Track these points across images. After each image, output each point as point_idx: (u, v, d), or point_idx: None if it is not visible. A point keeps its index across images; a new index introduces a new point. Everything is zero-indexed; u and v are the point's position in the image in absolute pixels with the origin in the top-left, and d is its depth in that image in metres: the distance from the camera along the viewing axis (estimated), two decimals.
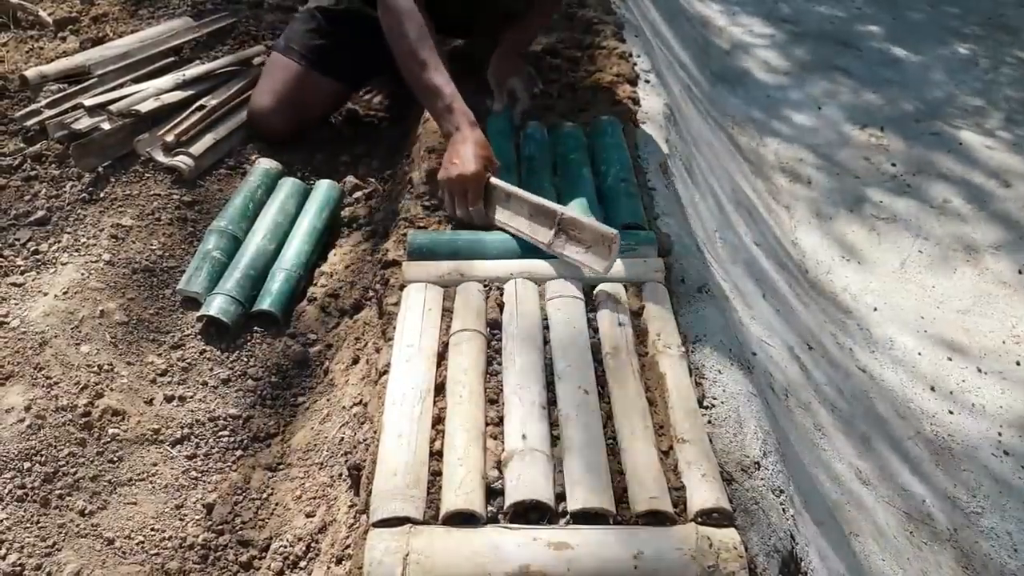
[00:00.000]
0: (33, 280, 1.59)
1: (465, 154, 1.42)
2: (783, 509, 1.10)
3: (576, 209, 1.41)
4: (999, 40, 3.97)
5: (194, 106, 1.92)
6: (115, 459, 1.34)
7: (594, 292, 1.31)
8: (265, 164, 1.86)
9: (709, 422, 1.16)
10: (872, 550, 1.53)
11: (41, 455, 1.30)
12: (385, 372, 1.19)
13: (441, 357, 1.19)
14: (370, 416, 1.21)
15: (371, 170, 1.97)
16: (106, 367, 1.45)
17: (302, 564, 1.21)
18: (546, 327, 1.24)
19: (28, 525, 1.22)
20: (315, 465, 1.34)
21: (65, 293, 1.54)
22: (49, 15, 2.23)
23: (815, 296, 2.40)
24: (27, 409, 1.34)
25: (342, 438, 1.30)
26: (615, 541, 0.94)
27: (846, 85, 3.49)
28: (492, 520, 0.98)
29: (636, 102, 1.89)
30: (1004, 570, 1.78)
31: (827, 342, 2.16)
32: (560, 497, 1.00)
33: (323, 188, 1.83)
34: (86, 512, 1.26)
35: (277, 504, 1.32)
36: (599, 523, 0.97)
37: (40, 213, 1.71)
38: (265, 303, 1.58)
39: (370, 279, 1.60)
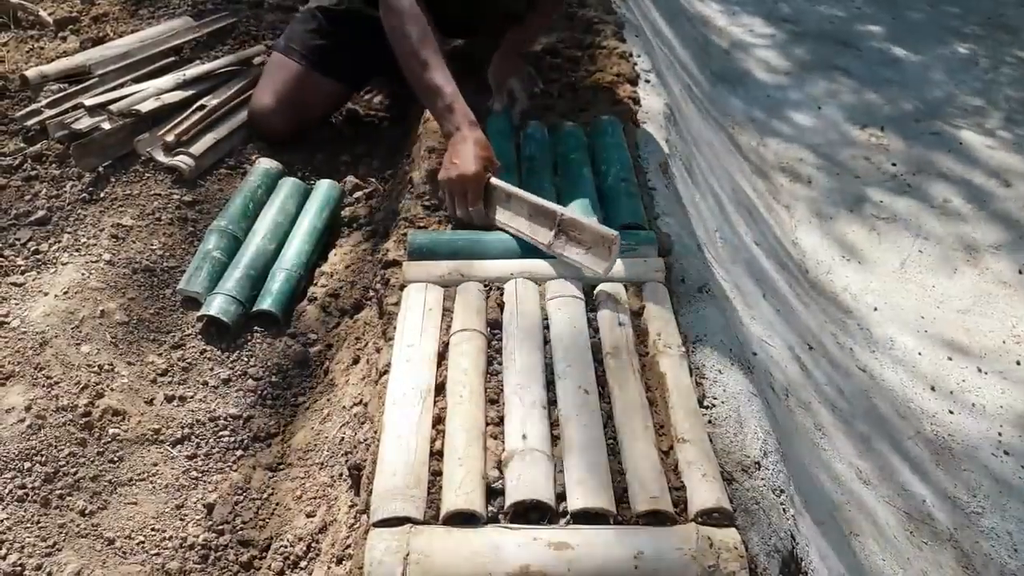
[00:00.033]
0: (33, 280, 1.59)
1: (465, 154, 1.42)
2: (783, 509, 1.10)
3: (578, 210, 1.41)
4: (999, 40, 3.97)
5: (194, 106, 1.92)
6: (115, 459, 1.34)
7: (594, 292, 1.31)
8: (265, 164, 1.86)
9: (709, 422, 1.16)
10: (872, 550, 1.53)
11: (41, 455, 1.30)
12: (385, 372, 1.19)
13: (441, 357, 1.19)
14: (370, 416, 1.21)
15: (371, 170, 1.97)
16: (106, 367, 1.45)
17: (302, 564, 1.21)
18: (546, 327, 1.24)
19: (28, 525, 1.22)
20: (315, 465, 1.34)
21: (65, 293, 1.54)
22: (49, 15, 2.23)
23: (815, 296, 2.40)
24: (27, 409, 1.34)
25: (342, 438, 1.30)
26: (615, 541, 0.94)
27: (846, 85, 3.49)
28: (492, 520, 0.98)
29: (636, 102, 1.89)
30: (1004, 570, 1.78)
31: (827, 342, 2.16)
32: (560, 497, 1.00)
33: (323, 188, 1.83)
34: (86, 512, 1.26)
35: (277, 504, 1.32)
36: (599, 523, 0.97)
37: (40, 213, 1.71)
38: (265, 303, 1.58)
39: (370, 279, 1.60)
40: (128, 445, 1.36)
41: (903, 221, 2.77)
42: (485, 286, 1.32)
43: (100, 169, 1.80)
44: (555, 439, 1.07)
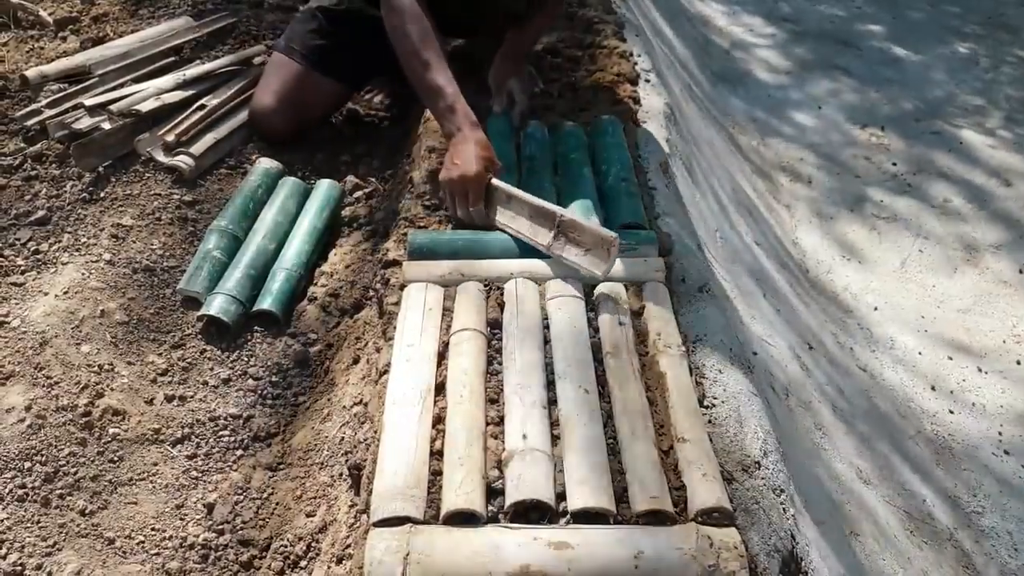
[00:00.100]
0: (33, 280, 1.59)
1: (466, 155, 1.42)
2: (783, 508, 1.10)
3: (578, 211, 1.41)
4: (999, 39, 3.97)
5: (195, 106, 1.92)
6: (115, 459, 1.34)
7: (594, 292, 1.31)
8: (266, 164, 1.86)
9: (709, 421, 1.16)
10: (872, 549, 1.53)
11: (41, 455, 1.30)
12: (385, 372, 1.19)
13: (441, 357, 1.19)
14: (370, 416, 1.21)
15: (372, 170, 1.97)
16: (106, 367, 1.45)
17: (302, 564, 1.21)
18: (546, 327, 1.24)
19: (28, 525, 1.22)
20: (315, 465, 1.34)
21: (65, 293, 1.54)
22: (49, 15, 2.23)
23: (816, 295, 2.40)
24: (27, 409, 1.34)
25: (342, 438, 1.30)
26: (615, 541, 0.94)
27: (847, 84, 3.49)
28: (492, 520, 0.98)
29: (637, 101, 1.89)
30: (1004, 570, 1.78)
31: (827, 341, 2.16)
32: (560, 497, 1.00)
33: (323, 188, 1.83)
34: (86, 512, 1.26)
35: (277, 504, 1.32)
36: (599, 523, 0.97)
37: (40, 213, 1.71)
38: (266, 303, 1.58)
39: (370, 279, 1.60)
40: (128, 445, 1.36)
41: (903, 221, 2.77)
42: (485, 286, 1.32)
43: (100, 169, 1.80)
44: (555, 439, 1.07)
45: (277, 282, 1.62)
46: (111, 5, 2.32)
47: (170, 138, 1.82)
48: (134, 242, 1.68)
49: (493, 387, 1.15)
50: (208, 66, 2.07)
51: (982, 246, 2.69)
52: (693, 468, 1.03)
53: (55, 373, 1.41)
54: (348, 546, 1.07)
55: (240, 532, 1.28)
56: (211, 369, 1.51)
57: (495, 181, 1.43)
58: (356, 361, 1.44)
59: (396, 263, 1.42)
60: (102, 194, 1.77)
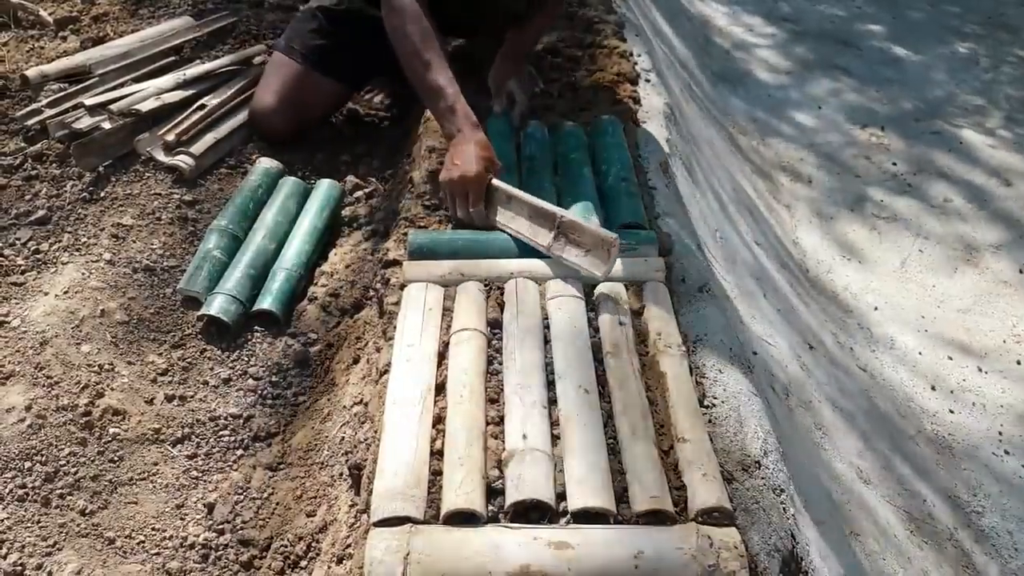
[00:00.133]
0: (34, 280, 1.59)
1: (467, 155, 1.42)
2: (784, 508, 1.10)
3: (579, 211, 1.41)
4: (999, 39, 3.97)
5: (195, 105, 1.92)
6: (116, 459, 1.34)
7: (595, 292, 1.31)
8: (266, 163, 1.86)
9: (710, 421, 1.16)
10: (872, 549, 1.53)
11: (42, 455, 1.30)
12: (386, 371, 1.19)
13: (442, 357, 1.19)
14: (371, 416, 1.21)
15: (372, 170, 1.97)
16: (107, 366, 1.45)
17: (303, 564, 1.21)
18: (547, 326, 1.24)
19: (29, 524, 1.22)
20: (316, 465, 1.34)
21: (66, 292, 1.54)
22: (50, 15, 2.23)
23: (816, 295, 2.40)
24: (28, 409, 1.34)
25: (343, 437, 1.30)
26: (616, 540, 0.94)
27: (847, 84, 3.49)
28: (493, 520, 0.98)
29: (637, 101, 1.89)
30: (1004, 570, 1.78)
31: (828, 341, 2.16)
32: (561, 496, 1.00)
33: (324, 187, 1.83)
34: (87, 512, 1.26)
35: (278, 504, 1.32)
36: (600, 522, 0.97)
37: (41, 212, 1.71)
38: (266, 302, 1.58)
39: (371, 278, 1.60)
40: (128, 445, 1.36)
41: (904, 220, 2.77)
42: (485, 286, 1.32)
43: (100, 169, 1.80)
44: (555, 439, 1.07)
45: (277, 282, 1.62)
46: (111, 5, 2.32)
47: (170, 138, 1.82)
48: (134, 242, 1.68)
49: (493, 387, 1.15)
50: (208, 66, 2.07)
51: (982, 246, 2.69)
52: (693, 468, 1.03)
53: (55, 373, 1.41)
54: (348, 546, 1.07)
55: (240, 532, 1.28)
56: (211, 369, 1.51)
57: (495, 181, 1.43)
58: (356, 361, 1.44)
59: (396, 263, 1.42)
60: (102, 194, 1.77)
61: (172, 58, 2.12)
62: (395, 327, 1.25)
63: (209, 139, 1.87)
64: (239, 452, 1.40)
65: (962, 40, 3.92)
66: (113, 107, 1.86)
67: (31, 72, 1.98)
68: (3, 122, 1.91)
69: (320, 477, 1.31)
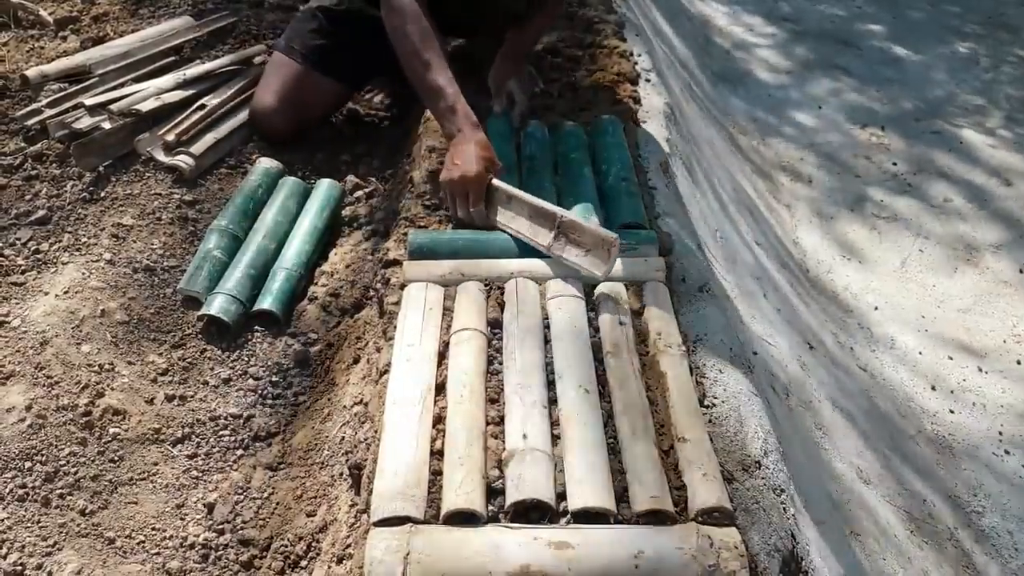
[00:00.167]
0: (34, 280, 1.59)
1: (467, 155, 1.42)
2: (784, 508, 1.10)
3: (579, 211, 1.41)
4: (1000, 39, 3.97)
5: (195, 105, 1.92)
6: (116, 459, 1.34)
7: (595, 291, 1.31)
8: (266, 163, 1.86)
9: (710, 421, 1.16)
10: (873, 549, 1.53)
11: (42, 454, 1.30)
12: (386, 371, 1.19)
13: (442, 356, 1.19)
14: (371, 415, 1.21)
15: (372, 169, 1.97)
16: (107, 366, 1.45)
17: (303, 563, 1.21)
18: (547, 326, 1.24)
19: (29, 524, 1.22)
20: (316, 464, 1.34)
21: (66, 292, 1.55)
22: (50, 15, 2.23)
23: (816, 295, 2.40)
24: (28, 408, 1.34)
25: (343, 437, 1.30)
26: (616, 540, 0.94)
27: (847, 84, 3.49)
28: (493, 520, 0.98)
29: (637, 101, 1.89)
30: (1004, 570, 1.78)
31: (828, 341, 2.16)
32: (561, 496, 1.00)
33: (324, 187, 1.83)
34: (87, 511, 1.26)
35: (278, 503, 1.32)
36: (600, 522, 0.97)
37: (41, 212, 1.71)
38: (266, 302, 1.58)
39: (371, 278, 1.60)
40: (128, 445, 1.36)
41: (904, 220, 2.77)
42: (486, 285, 1.32)
43: (100, 169, 1.80)
44: (555, 438, 1.07)
45: (277, 282, 1.62)
46: (111, 5, 2.32)
47: (170, 138, 1.82)
48: (134, 242, 1.68)
49: (493, 387, 1.15)
50: (208, 66, 2.07)
51: (982, 246, 2.69)
52: (693, 468, 1.03)
53: (55, 373, 1.41)
54: (348, 546, 1.07)
55: (240, 532, 1.28)
56: (211, 369, 1.51)
57: (495, 181, 1.43)
58: (356, 361, 1.44)
59: (396, 263, 1.42)
60: (102, 194, 1.77)
61: (172, 58, 2.12)
62: (395, 327, 1.25)
63: (209, 139, 1.87)
64: (239, 452, 1.40)
65: (962, 40, 3.92)
66: (113, 107, 1.86)
67: (31, 72, 1.98)
68: (3, 122, 1.91)
69: (320, 477, 1.31)
